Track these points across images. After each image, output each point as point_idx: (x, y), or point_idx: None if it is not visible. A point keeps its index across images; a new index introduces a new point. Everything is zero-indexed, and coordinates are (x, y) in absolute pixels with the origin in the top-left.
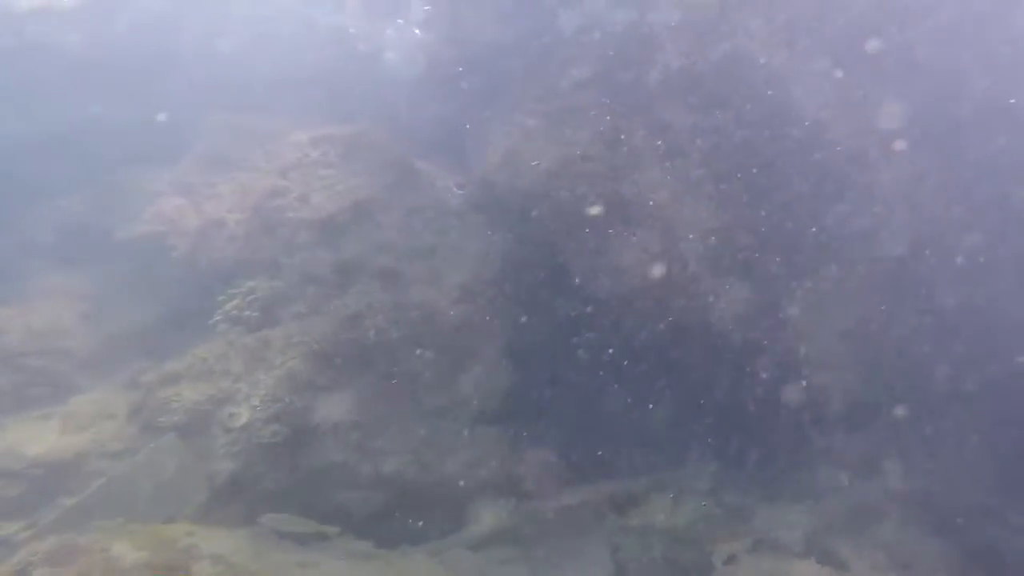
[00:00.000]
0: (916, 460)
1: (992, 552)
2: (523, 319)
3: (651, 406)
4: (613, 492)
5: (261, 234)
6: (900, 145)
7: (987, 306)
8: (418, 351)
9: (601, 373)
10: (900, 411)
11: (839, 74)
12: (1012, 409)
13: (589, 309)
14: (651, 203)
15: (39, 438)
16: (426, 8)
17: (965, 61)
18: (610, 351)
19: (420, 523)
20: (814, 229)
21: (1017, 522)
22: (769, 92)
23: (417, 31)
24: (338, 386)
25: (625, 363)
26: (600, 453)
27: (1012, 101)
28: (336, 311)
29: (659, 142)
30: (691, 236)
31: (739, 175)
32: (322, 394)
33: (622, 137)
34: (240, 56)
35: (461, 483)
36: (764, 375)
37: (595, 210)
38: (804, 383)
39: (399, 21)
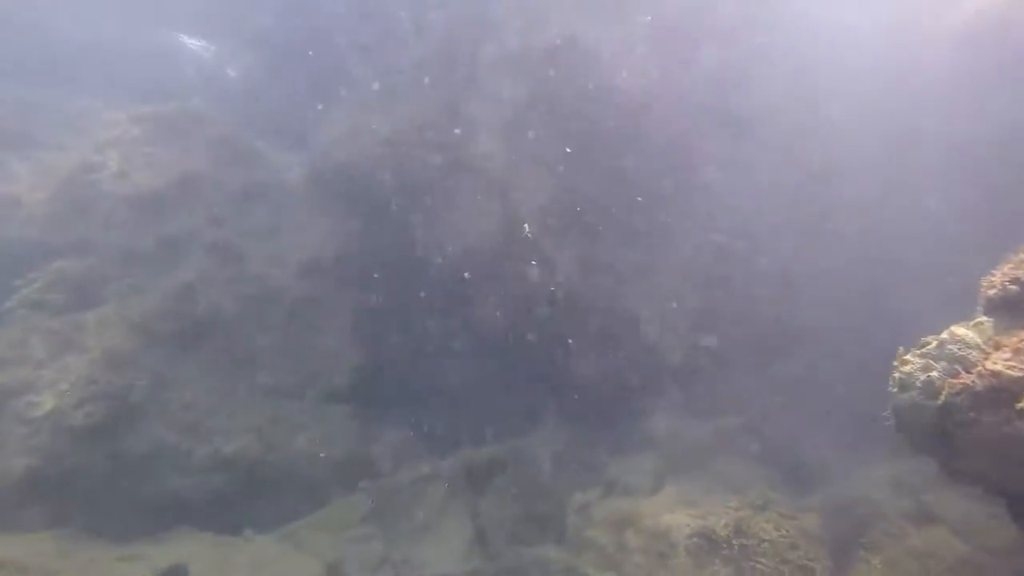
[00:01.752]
0: (741, 403)
1: (802, 469)
2: (369, 294)
3: (500, 374)
4: (469, 461)
5: (70, 213)
6: (719, 129)
7: (788, 273)
8: (258, 326)
9: (450, 344)
10: (726, 360)
11: (661, 62)
12: (816, 355)
13: (435, 280)
14: (489, 171)
15: None
16: None
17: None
18: (457, 323)
19: (267, 506)
20: (643, 199)
21: (820, 444)
22: (599, 74)
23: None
24: (167, 364)
25: (472, 333)
26: (453, 424)
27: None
28: (163, 285)
29: (495, 114)
30: (529, 203)
31: (571, 147)
32: (147, 373)
33: (460, 109)
34: (40, 25)
35: (311, 462)
36: (602, 334)
37: (435, 180)
38: (640, 341)
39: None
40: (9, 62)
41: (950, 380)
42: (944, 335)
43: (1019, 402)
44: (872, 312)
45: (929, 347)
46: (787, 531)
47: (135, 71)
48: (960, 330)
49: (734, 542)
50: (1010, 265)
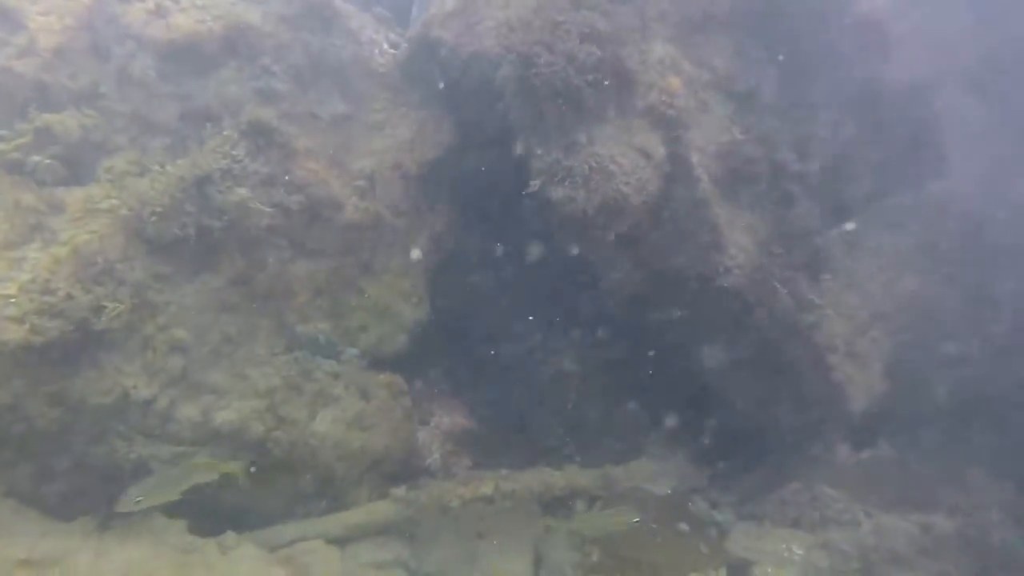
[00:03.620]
0: (940, 488)
1: None
2: (452, 232)
3: (609, 368)
4: (543, 482)
5: (85, 53)
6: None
7: None
8: (295, 251)
9: (548, 318)
10: (928, 423)
11: None
12: None
13: (546, 228)
14: (660, 87)
15: None
16: None
17: None
18: (564, 290)
19: (263, 501)
20: (862, 169)
21: None
22: None
23: None
24: (159, 283)
25: (582, 308)
26: (531, 425)
27: None
28: (175, 172)
29: (681, 7)
30: (708, 146)
31: (779, 73)
32: (128, 291)
33: None
34: None
35: (333, 446)
36: (763, 349)
37: (578, 90)
38: (816, 370)
39: None
40: None
41: None
42: None
43: None
44: None
45: None
46: None
47: None
48: None
49: None
50: None
